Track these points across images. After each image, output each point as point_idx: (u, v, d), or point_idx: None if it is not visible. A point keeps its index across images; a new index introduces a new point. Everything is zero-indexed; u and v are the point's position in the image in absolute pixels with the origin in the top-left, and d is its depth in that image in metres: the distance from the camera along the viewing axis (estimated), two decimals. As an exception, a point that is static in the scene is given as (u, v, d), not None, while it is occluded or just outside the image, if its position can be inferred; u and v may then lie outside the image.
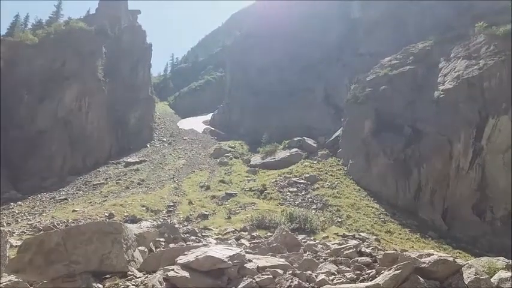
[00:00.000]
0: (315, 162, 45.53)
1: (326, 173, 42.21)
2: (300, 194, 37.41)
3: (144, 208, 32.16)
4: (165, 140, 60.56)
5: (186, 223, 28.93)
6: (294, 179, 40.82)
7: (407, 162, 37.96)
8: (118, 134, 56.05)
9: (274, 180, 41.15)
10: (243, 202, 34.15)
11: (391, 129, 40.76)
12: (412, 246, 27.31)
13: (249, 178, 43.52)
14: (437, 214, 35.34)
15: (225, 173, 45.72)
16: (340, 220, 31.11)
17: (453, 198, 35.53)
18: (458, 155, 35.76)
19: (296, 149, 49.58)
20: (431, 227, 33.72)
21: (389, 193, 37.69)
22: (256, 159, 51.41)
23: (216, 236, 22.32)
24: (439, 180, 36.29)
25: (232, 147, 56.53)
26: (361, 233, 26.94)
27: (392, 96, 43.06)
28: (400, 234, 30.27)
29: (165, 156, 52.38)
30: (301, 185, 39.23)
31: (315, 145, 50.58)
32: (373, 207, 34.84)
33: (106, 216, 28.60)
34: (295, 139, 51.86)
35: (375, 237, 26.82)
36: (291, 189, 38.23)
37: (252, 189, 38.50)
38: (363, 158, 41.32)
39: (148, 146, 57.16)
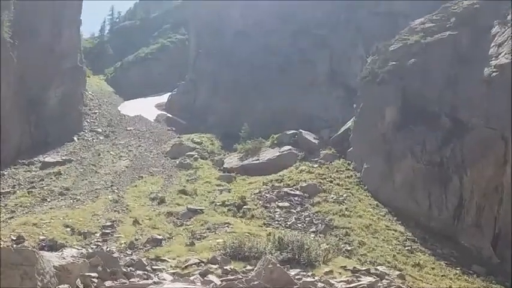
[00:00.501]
0: (316, 165, 45.89)
1: (331, 182, 42.60)
2: (293, 210, 37.61)
3: (69, 229, 31.80)
4: (100, 130, 60.00)
5: (129, 251, 28.80)
6: (286, 189, 40.98)
7: (445, 167, 38.68)
8: (31, 121, 54.87)
9: (257, 191, 41.29)
10: (212, 222, 34.16)
11: (423, 120, 41.38)
12: (450, 286, 27.73)
13: (221, 187, 43.65)
14: (485, 241, 36.06)
15: (188, 180, 45.90)
16: (349, 248, 31.40)
17: (508, 218, 36.29)
18: (515, 158, 36.63)
19: (289, 147, 49.96)
20: (477, 259, 34.40)
21: (418, 211, 38.32)
22: (232, 160, 51.65)
23: (173, 271, 22.15)
24: (488, 192, 37.05)
25: (197, 143, 56.75)
26: (378, 267, 27.09)
27: (425, 73, 43.65)
28: (433, 268, 30.75)
29: (100, 155, 51.89)
30: (296, 199, 39.44)
31: (315, 141, 51.07)
32: (395, 231, 35.34)
33: (13, 240, 28.19)
34: (288, 133, 52.24)
35: (398, 272, 27.06)
36: (281, 204, 38.38)
37: (226, 203, 38.59)
38: (383, 160, 41.86)
39: (75, 139, 56.40)
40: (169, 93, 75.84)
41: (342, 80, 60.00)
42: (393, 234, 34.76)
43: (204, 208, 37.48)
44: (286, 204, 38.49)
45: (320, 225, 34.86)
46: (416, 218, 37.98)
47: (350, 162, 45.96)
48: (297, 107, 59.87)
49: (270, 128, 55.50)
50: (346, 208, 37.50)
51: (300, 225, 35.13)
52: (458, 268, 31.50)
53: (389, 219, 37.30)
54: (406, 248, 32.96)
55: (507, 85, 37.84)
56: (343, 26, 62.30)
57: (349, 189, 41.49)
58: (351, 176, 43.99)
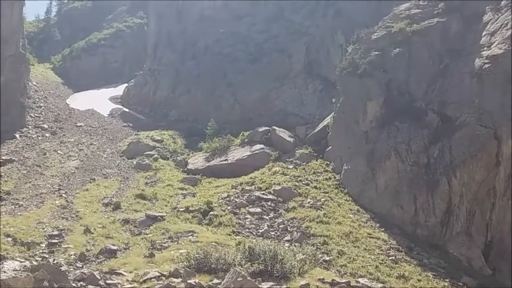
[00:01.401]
0: (291, 167, 46.12)
1: (308, 185, 42.84)
2: (266, 217, 37.72)
3: (10, 239, 31.25)
4: (46, 127, 59.14)
5: (79, 264, 28.54)
6: (258, 193, 41.09)
7: (432, 169, 39.21)
8: (-34, 115, 54.07)
9: (225, 195, 41.35)
10: (174, 230, 34.03)
11: (409, 116, 41.91)
12: (438, 300, 28.17)
13: (185, 191, 43.63)
14: (476, 250, 36.66)
15: (146, 183, 45.78)
16: (327, 259, 31.59)
17: (501, 225, 36.97)
18: (510, 158, 37.25)
19: (261, 146, 50.17)
20: (467, 270, 34.95)
21: (403, 217, 38.82)
22: (197, 161, 51.63)
23: (130, 286, 22.03)
24: (479, 196, 37.68)
25: (158, 141, 56.60)
26: (359, 279, 27.41)
27: (411, 64, 44.19)
28: (419, 280, 31.09)
29: (45, 154, 51.14)
30: (269, 204, 39.61)
31: (290, 140, 51.32)
32: (378, 239, 35.69)
33: None
34: (260, 130, 52.45)
35: (381, 285, 27.35)
36: (252, 210, 38.47)
37: (190, 209, 38.51)
38: (365, 161, 42.29)
39: (17, 136, 55.44)
40: (126, 85, 75.27)
41: (319, 72, 60.37)
42: (376, 242, 35.07)
43: (165, 215, 37.26)
44: (258, 209, 38.54)
45: (295, 233, 34.96)
46: (401, 224, 38.42)
47: (329, 163, 46.26)
48: (269, 101, 60.07)
49: (240, 124, 55.57)
50: (325, 214, 37.67)
51: (273, 233, 35.19)
52: (446, 280, 31.90)
53: (372, 226, 37.66)
54: (390, 258, 33.25)
55: (500, 78, 38.47)
56: (321, 11, 62.54)
57: (327, 193, 41.76)
58: (330, 178, 44.28)
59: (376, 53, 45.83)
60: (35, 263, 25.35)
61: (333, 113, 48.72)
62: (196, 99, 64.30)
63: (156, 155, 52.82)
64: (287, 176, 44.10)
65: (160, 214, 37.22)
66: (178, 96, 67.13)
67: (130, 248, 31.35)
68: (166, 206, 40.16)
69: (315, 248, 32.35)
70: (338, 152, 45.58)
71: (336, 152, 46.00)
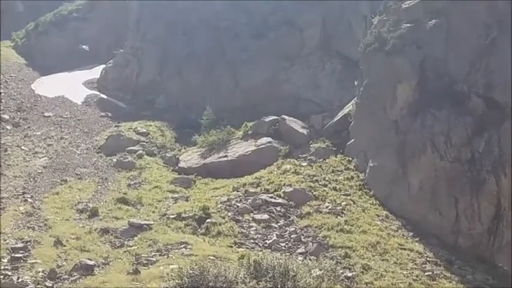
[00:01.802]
0: (305, 164, 46.22)
1: (325, 186, 42.91)
2: (275, 225, 37.76)
3: (-35, 253, 31.37)
4: (6, 117, 59.19)
5: (49, 283, 28.60)
6: (264, 196, 41.16)
7: (478, 166, 39.13)
8: None
9: (225, 198, 41.44)
10: (163, 241, 34.07)
11: (448, 101, 41.78)
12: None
13: (176, 195, 43.84)
14: (530, 263, 36.60)
15: (129, 185, 45.95)
16: (350, 275, 31.58)
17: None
18: None
19: (268, 140, 50.28)
20: (520, 288, 34.88)
21: (442, 223, 38.77)
22: (190, 157, 51.82)
23: (111, 308, 22.06)
24: (534, 199, 37.62)
25: (143, 134, 56.80)
26: (390, 300, 27.47)
27: (450, 39, 44.00)
28: (462, 301, 31.15)
29: (7, 151, 51.23)
30: (278, 209, 39.69)
31: (303, 131, 51.40)
32: (412, 250, 35.63)
33: None
34: (267, 120, 52.52)
35: (415, 306, 27.37)
36: (257, 217, 38.52)
37: (183, 216, 38.54)
38: (394, 156, 42.25)
39: (-28, 129, 55.69)
40: (103, 66, 75.22)
41: (338, 49, 60.40)
42: (408, 255, 34.99)
43: (152, 223, 37.28)
44: (265, 216, 38.52)
45: (311, 244, 34.92)
46: (439, 233, 38.37)
47: (350, 159, 46.32)
48: (278, 85, 60.09)
49: (242, 113, 55.72)
50: (346, 221, 37.61)
51: (283, 244, 35.15)
52: (495, 301, 31.92)
53: (403, 235, 37.57)
54: (426, 274, 33.19)
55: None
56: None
57: (349, 195, 41.75)
58: (352, 177, 44.32)
59: (408, 25, 45.57)
60: (-5, 281, 25.42)
61: (355, 98, 48.65)
62: (189, 84, 64.23)
63: (140, 151, 52.90)
64: (300, 176, 44.11)
65: (147, 222, 37.21)
66: (167, 79, 67.05)
67: (110, 263, 31.37)
68: (153, 212, 40.24)
69: (334, 262, 32.31)
70: (362, 146, 45.56)
71: (359, 145, 45.98)
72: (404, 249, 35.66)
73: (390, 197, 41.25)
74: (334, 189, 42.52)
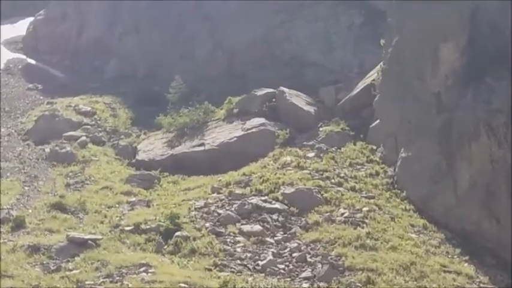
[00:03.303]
0: (312, 155, 46.32)
1: (340, 185, 42.95)
2: (270, 239, 37.61)
3: None
4: None
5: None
6: (256, 200, 41.07)
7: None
8: None
9: (201, 203, 41.43)
10: (116, 263, 33.81)
11: (509, 67, 41.84)
12: None
13: (132, 198, 43.86)
14: None
15: (68, 185, 45.88)
16: (374, 309, 31.68)
17: None
18: None
19: (261, 121, 50.57)
20: None
21: (501, 235, 38.65)
22: (153, 146, 52.12)
23: None
24: None
25: (86, 114, 56.90)
26: None
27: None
28: None
29: None
30: (275, 217, 39.60)
31: (310, 109, 51.68)
32: (459, 274, 35.52)
33: None
34: (259, 93, 52.82)
35: None
36: (246, 228, 38.40)
37: (143, 227, 38.40)
38: (435, 143, 42.27)
39: None
40: (30, 20, 74.79)
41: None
42: (455, 280, 34.85)
43: (100, 237, 37.01)
44: (257, 227, 38.35)
45: (320, 265, 34.78)
46: (497, 248, 38.33)
47: (375, 147, 46.58)
48: (274, 45, 60.03)
49: (225, 84, 55.84)
50: (369, 233, 37.46)
51: (282, 266, 34.90)
52: None
53: (448, 252, 37.47)
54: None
55: None
56: None
57: (373, 198, 41.77)
58: (377, 173, 44.55)
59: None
60: None
61: (381, 63, 48.69)
62: (150, 43, 64.13)
63: (83, 138, 52.88)
64: (305, 171, 44.16)
65: (93, 237, 36.90)
66: (120, 37, 66.90)
67: (43, 295, 31.24)
68: (101, 223, 39.99)
69: (352, 291, 32.36)
70: (391, 130, 45.63)
71: (387, 129, 46.08)
72: (449, 271, 35.47)
73: (430, 199, 41.31)
74: (353, 189, 42.55)
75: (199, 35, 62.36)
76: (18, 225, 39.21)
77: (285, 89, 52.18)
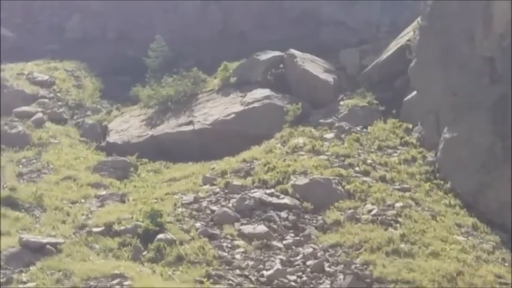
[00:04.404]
0: (331, 136, 46.40)
1: (366, 174, 43.01)
2: (278, 244, 37.42)
3: None
4: None
5: None
6: (259, 193, 41.11)
7: None
8: None
9: (190, 197, 41.35)
10: (82, 274, 33.46)
11: None
12: None
13: (103, 191, 43.87)
14: None
15: (21, 174, 46.02)
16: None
17: None
18: None
19: (266, 92, 50.73)
20: None
21: None
22: (127, 125, 52.31)
23: None
24: None
25: (44, 84, 57.11)
26: None
27: None
28: None
29: None
30: (285, 215, 39.56)
31: (328, 78, 51.70)
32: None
33: None
34: (263, 57, 53.02)
35: None
36: (248, 230, 38.29)
37: (116, 229, 38.23)
38: (489, 121, 42.18)
39: None
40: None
41: None
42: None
43: (62, 241, 36.84)
44: (261, 228, 38.22)
45: (341, 276, 34.81)
46: None
47: (410, 126, 46.65)
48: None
49: (219, 46, 55.61)
50: (403, 236, 37.34)
51: (293, 277, 34.79)
52: None
53: (505, 259, 37.29)
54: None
55: None
56: None
57: (409, 190, 41.77)
58: (414, 159, 44.60)
59: None
60: None
61: (418, 19, 48.68)
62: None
63: (39, 115, 52.86)
64: (322, 157, 44.22)
65: (52, 240, 36.70)
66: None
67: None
68: (63, 222, 39.90)
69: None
70: (431, 104, 45.64)
71: (426, 103, 46.07)
72: (506, 284, 35.52)
73: (481, 193, 41.27)
74: (383, 179, 42.53)
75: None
76: None
77: (296, 52, 52.20)
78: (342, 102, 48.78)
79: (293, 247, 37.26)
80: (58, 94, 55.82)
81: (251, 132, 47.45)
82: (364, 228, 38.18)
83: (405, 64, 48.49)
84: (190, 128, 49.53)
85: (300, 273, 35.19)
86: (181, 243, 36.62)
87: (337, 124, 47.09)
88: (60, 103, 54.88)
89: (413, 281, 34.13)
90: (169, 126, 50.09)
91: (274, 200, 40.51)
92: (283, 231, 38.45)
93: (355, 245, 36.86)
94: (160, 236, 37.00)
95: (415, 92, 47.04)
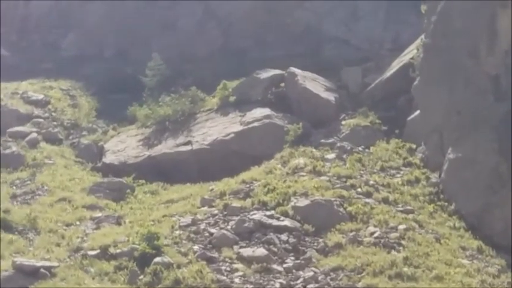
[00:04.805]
0: (332, 156, 46.34)
1: (369, 195, 42.94)
2: (278, 267, 37.39)
3: None
4: None
5: None
6: (259, 215, 41.03)
7: None
8: None
9: (188, 220, 41.29)
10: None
11: None
12: None
13: (98, 213, 43.85)
14: None
15: (15, 196, 45.95)
16: None
17: None
18: None
19: (266, 112, 50.71)
20: None
21: None
22: (123, 146, 52.28)
23: None
24: None
25: (38, 104, 57.18)
26: None
27: None
28: None
29: None
30: (285, 238, 39.45)
31: (330, 97, 51.72)
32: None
33: None
34: (263, 76, 53.02)
35: None
36: (247, 253, 38.16)
37: (111, 252, 38.26)
38: (494, 140, 42.16)
39: None
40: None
41: None
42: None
43: (56, 265, 36.89)
44: (261, 251, 38.16)
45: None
46: None
47: (414, 146, 46.67)
48: (282, 12, 60.04)
49: (219, 65, 55.74)
50: (407, 259, 37.25)
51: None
52: None
53: (511, 282, 37.27)
54: None
55: None
56: None
57: (412, 212, 41.78)
58: (417, 180, 44.59)
59: None
60: None
61: (422, 36, 48.82)
62: (121, 12, 64.09)
63: (34, 135, 52.89)
64: (324, 178, 44.22)
65: (47, 264, 36.76)
66: (81, 4, 66.73)
67: None
68: (58, 245, 39.92)
69: None
70: (435, 123, 45.66)
71: (430, 122, 46.08)
72: (515, 312, 35.64)
73: (487, 214, 41.21)
74: (385, 201, 42.56)
75: (185, 4, 62.32)
76: None
77: (297, 71, 52.21)
78: (343, 122, 48.85)
79: (293, 271, 37.20)
80: (53, 114, 55.87)
81: (251, 152, 47.50)
82: (366, 251, 38.14)
83: (408, 82, 48.55)
84: (188, 148, 49.61)
85: (296, 302, 35.34)
86: (178, 267, 36.67)
87: (338, 144, 47.13)
88: (55, 123, 54.94)
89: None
90: (167, 147, 50.18)
91: (274, 222, 40.43)
92: (284, 254, 38.36)
93: (357, 268, 36.81)
94: (157, 259, 37.02)
95: (418, 111, 47.09)
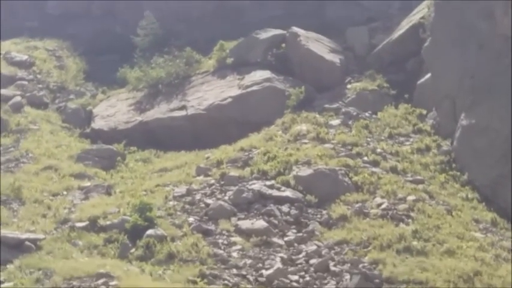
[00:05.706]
0: (337, 122, 46.39)
1: (376, 164, 42.96)
2: (279, 240, 37.41)
3: None
4: None
5: None
6: (259, 184, 41.10)
7: None
8: None
9: (183, 190, 41.34)
10: (65, 273, 33.27)
11: None
12: None
13: (87, 183, 43.79)
14: None
15: (-3, 164, 45.83)
16: None
17: None
18: None
19: (266, 75, 50.64)
20: None
21: None
22: (113, 110, 52.36)
23: None
24: None
25: (22, 65, 57.12)
26: None
27: None
28: None
29: None
30: (286, 209, 39.49)
31: (334, 59, 51.75)
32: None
33: None
34: (262, 36, 53.04)
35: None
36: (246, 225, 38.21)
37: (101, 223, 38.22)
38: (509, 107, 42.03)
39: None
40: None
41: None
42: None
43: (42, 237, 36.88)
44: (260, 223, 38.22)
45: (348, 276, 34.80)
46: None
47: (424, 111, 46.70)
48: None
49: (214, 23, 55.78)
50: (416, 232, 37.30)
51: (295, 277, 34.75)
52: None
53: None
54: None
55: None
56: None
57: (422, 182, 41.75)
58: (428, 148, 44.62)
59: None
60: None
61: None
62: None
63: (18, 98, 52.91)
64: (327, 145, 44.29)
65: (32, 236, 36.76)
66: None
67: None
68: (44, 217, 39.88)
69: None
70: (446, 87, 45.63)
71: (441, 86, 46.06)
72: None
73: (501, 185, 41.22)
74: (394, 170, 42.57)
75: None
76: None
77: (299, 31, 52.20)
78: (349, 86, 48.79)
79: (295, 244, 37.16)
80: (38, 76, 55.74)
81: (249, 118, 47.45)
82: (373, 223, 38.16)
83: (419, 44, 48.52)
84: (183, 113, 49.53)
85: (302, 273, 35.14)
86: (172, 240, 36.56)
87: (343, 109, 47.06)
88: (40, 86, 54.84)
89: (426, 281, 34.01)
90: (160, 111, 50.08)
91: (275, 192, 40.45)
92: (285, 226, 38.38)
93: (363, 242, 36.83)
94: (149, 231, 36.91)
95: (429, 75, 47.01)
